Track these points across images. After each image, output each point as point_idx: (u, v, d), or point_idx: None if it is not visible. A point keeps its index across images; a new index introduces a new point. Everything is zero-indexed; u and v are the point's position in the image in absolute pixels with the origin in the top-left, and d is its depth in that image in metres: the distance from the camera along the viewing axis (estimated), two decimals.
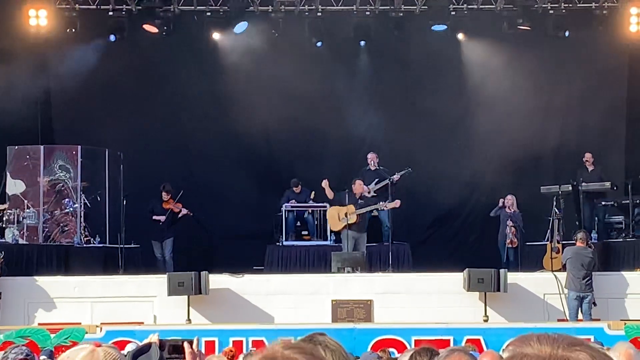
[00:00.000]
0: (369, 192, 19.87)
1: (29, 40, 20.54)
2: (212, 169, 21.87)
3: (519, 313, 16.75)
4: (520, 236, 19.87)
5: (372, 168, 20.66)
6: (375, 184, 20.32)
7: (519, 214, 20.19)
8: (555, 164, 22.41)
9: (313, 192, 20.87)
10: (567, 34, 21.43)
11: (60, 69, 21.40)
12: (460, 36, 21.75)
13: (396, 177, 20.03)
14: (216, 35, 21.64)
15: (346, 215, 18.99)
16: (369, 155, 20.80)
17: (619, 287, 17.35)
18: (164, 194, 20.38)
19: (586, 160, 20.46)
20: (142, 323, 16.48)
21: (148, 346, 3.97)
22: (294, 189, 20.94)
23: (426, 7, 21.33)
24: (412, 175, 20.87)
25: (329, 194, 19.43)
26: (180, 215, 20.34)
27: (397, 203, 19.19)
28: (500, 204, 20.23)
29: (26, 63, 20.43)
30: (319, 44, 21.75)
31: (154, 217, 20.24)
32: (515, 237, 19.86)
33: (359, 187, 19.28)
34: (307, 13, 21.45)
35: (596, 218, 20.12)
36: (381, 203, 19.28)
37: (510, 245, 19.87)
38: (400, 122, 22.16)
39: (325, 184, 19.34)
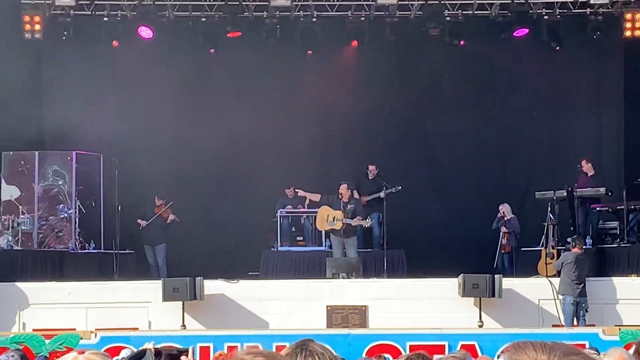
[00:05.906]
0: (364, 202, 20.03)
1: (24, 46, 20.52)
2: (207, 174, 21.84)
3: (513, 318, 16.75)
4: (516, 243, 19.89)
5: (370, 177, 20.85)
6: (370, 194, 20.49)
7: (514, 219, 20.21)
8: (551, 170, 22.39)
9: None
10: (557, 47, 21.48)
11: (54, 74, 21.37)
12: (457, 42, 21.69)
13: (382, 194, 20.17)
14: (210, 41, 21.60)
15: (333, 220, 19.06)
16: (370, 167, 20.97)
17: (613, 293, 17.35)
18: (156, 199, 20.48)
19: (582, 166, 20.40)
20: (137, 329, 16.46)
21: (143, 352, 3.98)
22: (287, 193, 20.94)
23: (421, 12, 21.32)
24: (409, 183, 20.92)
25: (314, 197, 19.56)
26: (169, 221, 20.42)
27: (367, 222, 19.32)
28: (499, 215, 20.33)
29: (21, 68, 20.40)
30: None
31: (138, 220, 20.33)
32: (508, 242, 19.85)
33: (344, 190, 19.32)
34: (302, 19, 21.45)
35: (590, 224, 20.10)
36: (367, 220, 19.33)
37: (503, 251, 19.89)
38: (396, 129, 22.16)
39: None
